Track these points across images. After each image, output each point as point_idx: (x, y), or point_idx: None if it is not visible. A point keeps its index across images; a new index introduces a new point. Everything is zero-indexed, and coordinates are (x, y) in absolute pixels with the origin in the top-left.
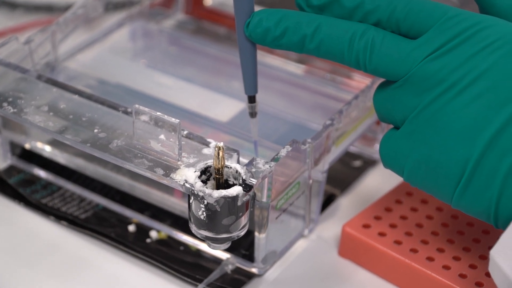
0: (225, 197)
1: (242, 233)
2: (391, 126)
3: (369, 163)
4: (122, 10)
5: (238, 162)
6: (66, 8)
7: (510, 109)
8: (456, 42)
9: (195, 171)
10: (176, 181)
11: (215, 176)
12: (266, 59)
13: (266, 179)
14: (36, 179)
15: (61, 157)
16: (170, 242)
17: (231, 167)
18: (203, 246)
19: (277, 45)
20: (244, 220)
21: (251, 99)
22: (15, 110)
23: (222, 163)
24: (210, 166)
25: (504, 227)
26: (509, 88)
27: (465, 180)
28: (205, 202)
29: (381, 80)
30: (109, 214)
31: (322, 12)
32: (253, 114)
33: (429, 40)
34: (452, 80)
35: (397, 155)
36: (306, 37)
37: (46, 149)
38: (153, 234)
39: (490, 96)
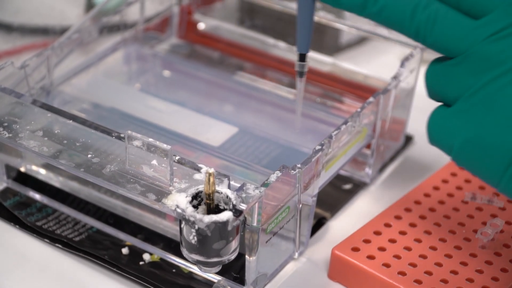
0: (215, 222)
1: (233, 257)
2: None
3: (359, 186)
4: (116, 34)
5: (229, 187)
6: (61, 31)
7: None
8: None
9: (187, 196)
10: (168, 206)
11: (206, 201)
12: (258, 83)
13: (256, 204)
14: (31, 201)
15: (56, 180)
16: (163, 265)
17: (221, 192)
18: (195, 269)
19: (338, 3)
20: (234, 244)
21: (302, 58)
22: (10, 134)
23: (212, 189)
24: (201, 191)
25: None
26: None
27: None
28: (196, 227)
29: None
30: (103, 237)
31: None
32: (301, 74)
33: (493, 21)
34: None
35: (446, 133)
36: (368, 0)
37: (41, 172)
38: (146, 256)
39: None
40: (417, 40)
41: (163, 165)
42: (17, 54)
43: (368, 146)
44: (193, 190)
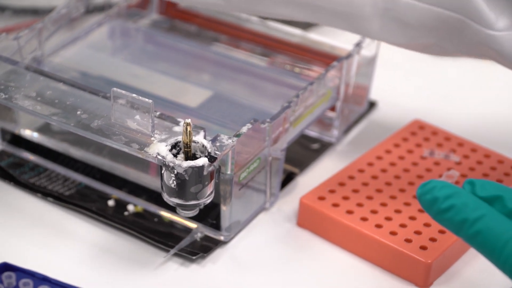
0: (192, 167)
1: (208, 200)
2: None
3: (326, 146)
4: (102, 11)
5: (205, 138)
6: (50, 11)
7: None
8: None
9: (166, 146)
10: (150, 154)
11: (184, 150)
12: (232, 52)
13: (230, 152)
14: (24, 162)
15: (48, 142)
16: (146, 215)
17: (198, 142)
18: (176, 218)
19: (440, 218)
20: (209, 188)
21: None
22: (6, 96)
23: (190, 138)
24: (180, 141)
25: None
26: None
27: None
28: (175, 172)
29: None
30: (91, 191)
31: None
32: None
33: None
34: None
35: None
36: (466, 222)
37: (34, 135)
38: (130, 207)
39: None
40: (503, 271)
41: (145, 119)
42: (9, 32)
43: (333, 108)
44: (172, 140)
